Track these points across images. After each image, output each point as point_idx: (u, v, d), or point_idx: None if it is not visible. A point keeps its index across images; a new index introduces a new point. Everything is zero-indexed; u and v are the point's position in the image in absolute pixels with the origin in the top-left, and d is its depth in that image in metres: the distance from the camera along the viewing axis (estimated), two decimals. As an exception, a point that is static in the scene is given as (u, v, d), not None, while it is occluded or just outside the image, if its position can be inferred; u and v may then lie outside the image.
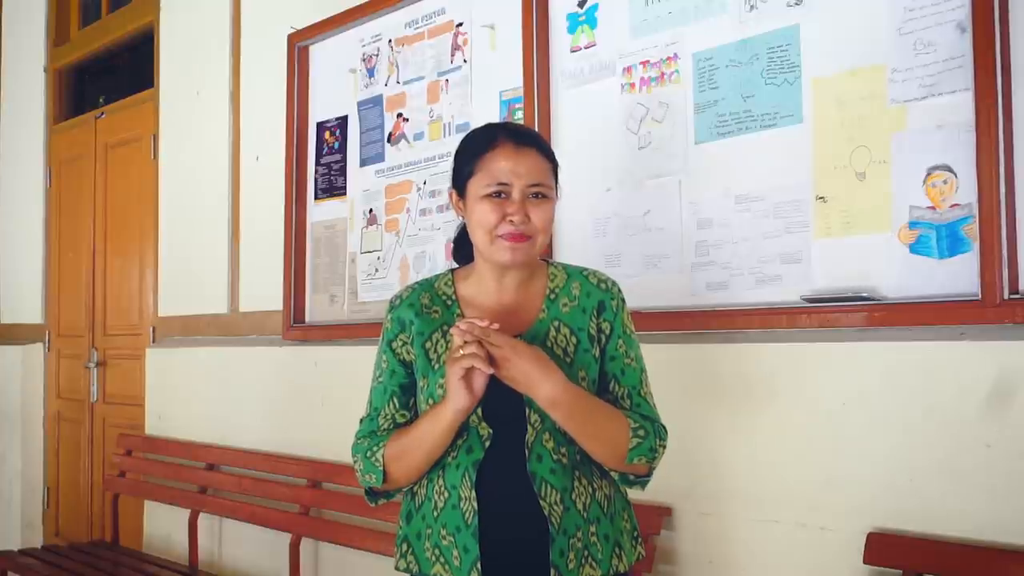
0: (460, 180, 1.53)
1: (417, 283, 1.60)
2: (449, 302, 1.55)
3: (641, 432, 1.47)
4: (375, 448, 1.50)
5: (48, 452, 4.95)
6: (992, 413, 1.70)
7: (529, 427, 1.45)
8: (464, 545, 1.43)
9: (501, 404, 1.44)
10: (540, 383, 1.39)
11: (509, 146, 1.47)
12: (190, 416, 3.79)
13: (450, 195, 1.57)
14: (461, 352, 1.37)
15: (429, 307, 1.54)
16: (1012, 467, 1.67)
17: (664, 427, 1.53)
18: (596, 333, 1.52)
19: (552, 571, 1.42)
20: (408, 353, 1.53)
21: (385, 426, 1.53)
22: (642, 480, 1.53)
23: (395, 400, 1.54)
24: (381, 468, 1.49)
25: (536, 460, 1.45)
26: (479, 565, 1.41)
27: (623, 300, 1.57)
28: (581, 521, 1.46)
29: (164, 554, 3.79)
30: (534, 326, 1.51)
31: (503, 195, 1.46)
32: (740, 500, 2.04)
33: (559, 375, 1.40)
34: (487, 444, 1.45)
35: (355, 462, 1.54)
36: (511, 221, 1.44)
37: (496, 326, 1.39)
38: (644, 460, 1.48)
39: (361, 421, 1.58)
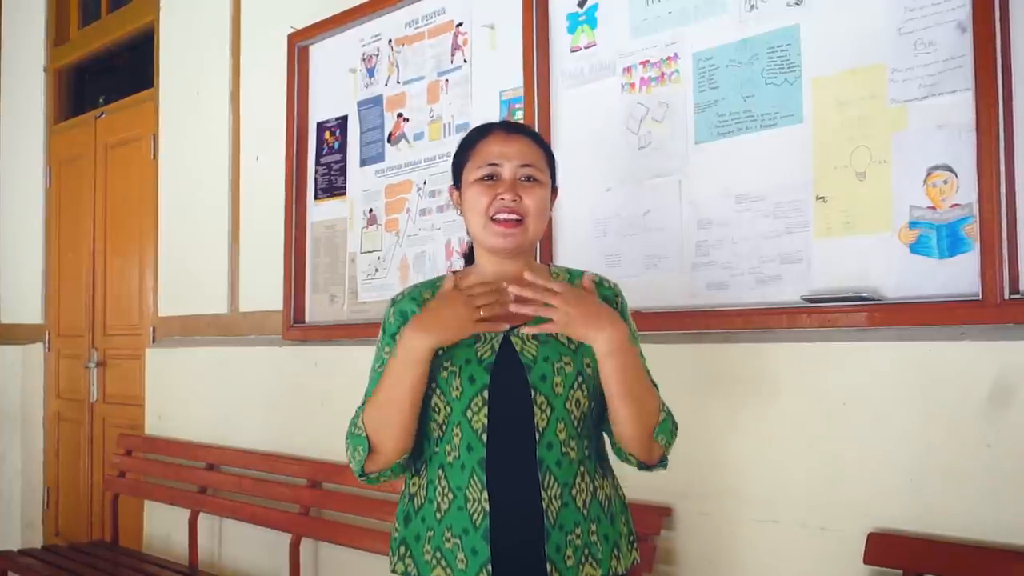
0: (457, 172, 1.58)
1: (419, 283, 1.62)
2: None
3: (665, 408, 1.50)
4: (357, 419, 1.50)
5: (48, 452, 4.95)
6: (992, 413, 1.70)
7: (537, 410, 1.43)
8: (472, 547, 1.42)
9: (504, 392, 1.44)
10: (604, 325, 1.39)
11: (500, 133, 1.54)
12: (190, 416, 3.79)
13: (450, 192, 1.61)
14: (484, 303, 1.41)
15: (431, 300, 1.55)
16: (1012, 467, 1.67)
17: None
18: None
19: (548, 566, 1.41)
20: None
21: None
22: (663, 463, 1.54)
23: None
24: (364, 435, 1.46)
25: (546, 448, 1.43)
26: (489, 567, 1.40)
27: (626, 300, 1.59)
28: (581, 518, 1.45)
29: (164, 554, 3.79)
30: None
31: (494, 178, 1.50)
32: (740, 500, 2.04)
33: (622, 323, 1.43)
34: (484, 438, 1.43)
35: (345, 449, 1.52)
36: (502, 199, 1.47)
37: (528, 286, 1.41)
38: (663, 440, 1.49)
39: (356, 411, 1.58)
